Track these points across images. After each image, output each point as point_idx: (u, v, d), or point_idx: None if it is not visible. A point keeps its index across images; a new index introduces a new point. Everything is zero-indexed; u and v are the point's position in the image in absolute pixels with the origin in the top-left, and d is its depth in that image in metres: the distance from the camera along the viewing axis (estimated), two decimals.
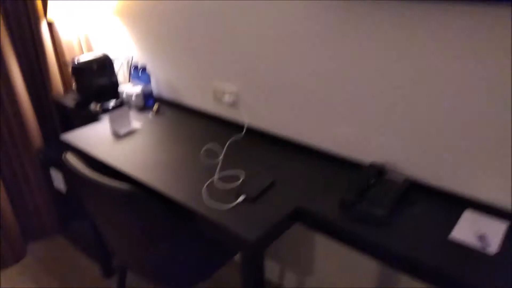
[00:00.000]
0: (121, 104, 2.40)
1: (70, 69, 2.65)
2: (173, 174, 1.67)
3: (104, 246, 2.33)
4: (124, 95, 2.43)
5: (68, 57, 2.63)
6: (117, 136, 2.05)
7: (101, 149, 1.91)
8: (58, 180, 2.47)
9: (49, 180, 2.58)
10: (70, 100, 2.52)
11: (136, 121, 2.21)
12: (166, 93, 2.47)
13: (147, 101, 2.44)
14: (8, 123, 2.42)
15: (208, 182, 1.60)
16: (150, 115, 2.31)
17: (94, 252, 2.60)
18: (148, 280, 1.76)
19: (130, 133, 2.09)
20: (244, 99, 2.03)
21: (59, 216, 2.80)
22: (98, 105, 2.35)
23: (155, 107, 2.33)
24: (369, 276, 1.89)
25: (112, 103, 2.39)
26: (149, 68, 2.45)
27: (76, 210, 2.76)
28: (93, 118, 2.33)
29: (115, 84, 2.51)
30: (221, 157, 1.79)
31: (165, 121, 2.22)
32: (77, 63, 2.31)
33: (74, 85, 2.56)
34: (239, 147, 1.89)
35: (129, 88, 2.42)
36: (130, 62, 2.54)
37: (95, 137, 2.04)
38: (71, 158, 1.64)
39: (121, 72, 2.64)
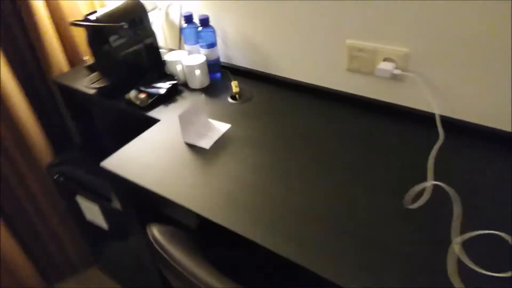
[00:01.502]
0: (176, 86, 1.46)
1: (75, 34, 1.66)
2: (363, 246, 0.82)
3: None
4: (175, 69, 1.48)
5: (68, 16, 1.63)
6: (197, 151, 1.15)
7: (182, 190, 1.03)
8: (92, 213, 1.59)
9: (71, 205, 1.70)
10: (84, 83, 1.56)
11: (216, 121, 1.30)
12: (244, 60, 1.53)
13: (213, 74, 1.51)
14: None
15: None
16: (229, 100, 1.39)
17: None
18: None
19: (217, 144, 1.19)
20: (426, 69, 1.12)
21: (92, 247, 1.97)
22: (142, 93, 1.40)
23: (235, 87, 1.41)
24: None
25: (163, 85, 1.44)
26: (213, 21, 1.47)
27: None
28: (133, 115, 1.41)
29: (156, 51, 1.55)
30: (454, 198, 0.93)
31: (262, 112, 1.32)
32: (93, 20, 1.33)
33: (87, 58, 1.59)
34: (449, 162, 1.03)
35: (182, 57, 1.47)
36: (180, 12, 1.55)
37: (160, 162, 1.15)
38: (158, 235, 0.81)
39: (159, 30, 1.65)
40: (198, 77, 1.43)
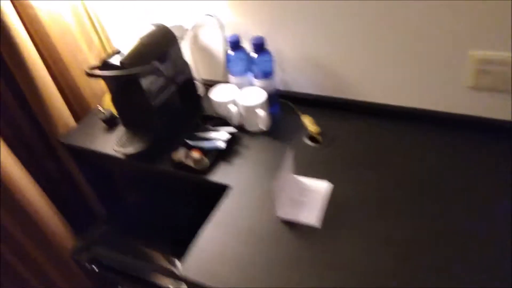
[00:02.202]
0: (233, 134, 1.12)
1: (79, 80, 1.29)
2: None
3: None
4: (226, 110, 1.14)
5: (64, 49, 1.25)
6: (301, 230, 0.84)
7: None
8: None
9: None
10: (108, 144, 1.21)
11: (308, 178, 0.98)
12: (307, 85, 1.20)
13: (271, 108, 1.18)
14: None
15: None
16: (307, 143, 1.07)
17: None
18: None
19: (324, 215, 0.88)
20: None
21: None
22: (194, 151, 1.06)
23: (311, 125, 1.09)
24: None
25: (217, 135, 1.11)
26: (269, 43, 1.13)
27: None
28: (187, 181, 1.07)
29: (193, 89, 1.21)
30: None
31: (361, 155, 1.02)
32: (118, 65, 0.98)
33: (101, 108, 1.24)
34: None
35: (234, 94, 1.14)
36: (222, 35, 1.20)
37: (255, 255, 0.83)
38: None
39: (189, 57, 1.30)
40: (261, 118, 1.09)
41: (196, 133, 1.14)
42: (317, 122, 1.11)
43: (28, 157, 1.25)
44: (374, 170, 0.97)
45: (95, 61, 1.35)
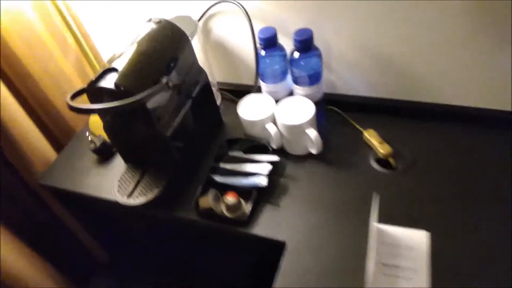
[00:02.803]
0: (276, 164, 0.83)
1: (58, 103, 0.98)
2: None
3: None
4: (260, 130, 0.85)
5: (29, 57, 0.93)
6: None
7: None
8: None
9: None
10: (100, 183, 0.91)
11: (394, 227, 0.70)
12: (364, 86, 0.91)
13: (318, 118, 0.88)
14: None
15: None
16: (375, 168, 0.80)
17: None
18: None
19: None
20: None
21: None
22: (230, 194, 0.77)
23: (379, 144, 0.81)
24: None
25: (252, 168, 0.82)
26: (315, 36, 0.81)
27: None
28: (218, 232, 0.79)
29: (212, 100, 0.92)
30: None
31: (454, 184, 0.74)
32: (114, 89, 0.67)
33: (92, 137, 0.93)
34: None
35: (268, 108, 0.84)
36: (250, 28, 0.88)
37: None
38: None
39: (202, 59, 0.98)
40: (313, 140, 0.81)
41: (222, 165, 0.84)
42: (383, 136, 0.83)
43: (9, 211, 0.95)
44: (479, 205, 0.70)
45: (73, 70, 1.03)
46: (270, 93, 0.88)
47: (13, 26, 0.88)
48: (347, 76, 0.89)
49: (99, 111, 0.63)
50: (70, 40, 1.01)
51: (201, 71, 0.87)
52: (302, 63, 0.80)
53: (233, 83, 1.03)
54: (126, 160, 0.86)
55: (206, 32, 0.94)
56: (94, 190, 0.90)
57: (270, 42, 0.80)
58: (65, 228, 1.09)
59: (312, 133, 0.80)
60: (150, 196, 0.79)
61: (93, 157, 0.97)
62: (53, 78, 0.98)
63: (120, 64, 0.69)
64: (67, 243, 1.11)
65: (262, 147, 0.86)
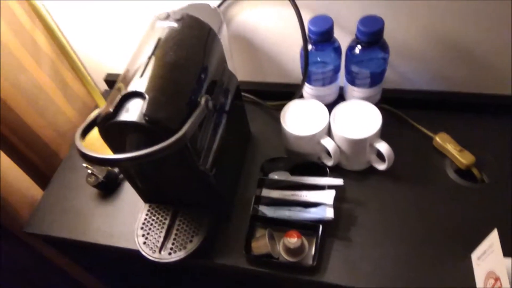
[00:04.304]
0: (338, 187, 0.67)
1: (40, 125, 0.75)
2: None
3: None
4: (314, 146, 0.68)
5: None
6: None
7: None
8: None
9: None
10: (110, 227, 0.72)
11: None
12: (432, 79, 0.75)
13: None
14: None
15: None
16: (455, 181, 0.66)
17: None
18: None
19: None
20: None
21: None
22: (293, 235, 0.61)
23: (457, 152, 0.67)
24: None
25: (325, 195, 0.65)
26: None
27: None
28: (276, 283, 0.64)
29: (241, 113, 0.73)
30: None
31: None
32: (144, 113, 0.47)
33: (89, 167, 0.72)
34: None
35: (323, 115, 0.67)
36: (299, 19, 0.68)
37: None
38: None
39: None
40: (385, 154, 0.65)
41: (266, 192, 0.67)
42: (459, 140, 0.69)
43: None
44: None
45: (50, 82, 0.80)
46: (318, 97, 0.71)
47: None
48: (405, 69, 0.74)
49: (132, 160, 0.44)
50: (41, 39, 0.77)
51: (231, 76, 0.68)
52: (366, 59, 0.63)
53: (254, 81, 0.84)
54: (146, 200, 0.66)
55: (226, 23, 0.74)
56: (102, 237, 0.71)
57: (325, 35, 0.62)
58: (70, 279, 0.88)
59: (383, 147, 0.64)
60: (190, 247, 0.61)
61: (91, 191, 0.77)
62: (26, 95, 0.75)
63: (143, 86, 0.49)
64: None
65: (309, 166, 0.69)
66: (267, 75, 0.82)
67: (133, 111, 0.48)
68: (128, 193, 0.75)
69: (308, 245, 0.63)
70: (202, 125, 0.55)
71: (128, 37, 0.82)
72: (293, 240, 0.61)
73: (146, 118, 0.47)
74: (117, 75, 0.92)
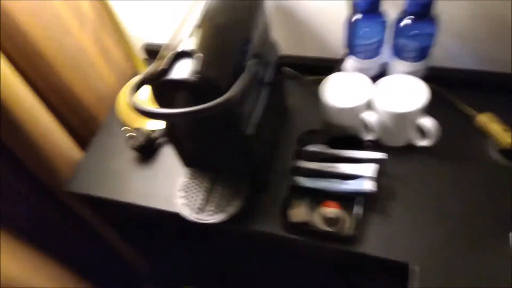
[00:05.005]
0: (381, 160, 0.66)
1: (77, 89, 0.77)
2: None
3: None
4: (353, 118, 0.68)
5: (37, 32, 0.71)
6: None
7: None
8: None
9: None
10: (149, 187, 0.73)
11: None
12: (475, 61, 0.73)
13: None
14: None
15: None
16: (499, 161, 0.64)
17: None
18: None
19: None
20: None
21: None
22: (326, 204, 0.61)
23: (504, 131, 0.65)
24: None
25: (364, 168, 0.65)
26: None
27: None
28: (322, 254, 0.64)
29: (281, 84, 0.73)
30: None
31: None
32: (196, 70, 0.48)
33: (128, 129, 0.73)
34: None
35: (365, 88, 0.66)
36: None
37: None
38: None
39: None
40: (430, 130, 0.64)
41: (305, 164, 0.67)
42: (503, 119, 0.67)
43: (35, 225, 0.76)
44: None
45: (93, 46, 0.81)
46: (360, 71, 0.70)
47: None
48: (451, 46, 0.72)
49: (185, 115, 0.44)
50: (84, 6, 0.78)
51: (273, 46, 0.67)
52: (415, 32, 0.62)
53: (291, 55, 0.83)
54: (187, 164, 0.67)
55: None
56: (141, 198, 0.72)
57: (372, 5, 0.61)
58: (99, 238, 0.91)
59: (428, 122, 0.63)
60: (231, 210, 0.62)
61: (130, 155, 0.79)
62: (70, 58, 0.77)
63: (193, 46, 0.50)
64: (103, 255, 0.94)
65: (348, 139, 0.69)
66: (305, 49, 0.81)
67: (185, 69, 0.48)
68: (166, 157, 0.77)
69: (345, 216, 0.63)
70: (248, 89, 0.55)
71: (167, 8, 0.82)
72: (331, 210, 0.61)
73: (198, 76, 0.47)
74: (155, 45, 0.92)
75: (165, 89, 0.50)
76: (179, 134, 0.62)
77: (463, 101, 0.72)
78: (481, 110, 0.70)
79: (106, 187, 0.75)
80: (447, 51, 0.72)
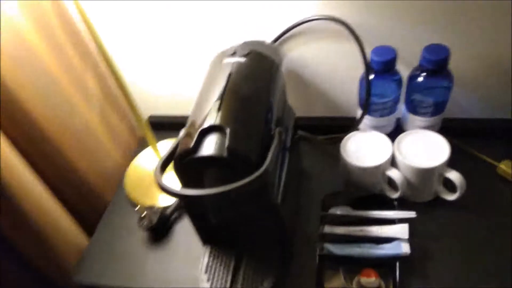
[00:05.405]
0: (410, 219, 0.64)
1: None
2: None
3: None
4: (376, 177, 0.66)
5: (41, 109, 0.68)
6: None
7: None
8: None
9: None
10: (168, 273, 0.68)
11: None
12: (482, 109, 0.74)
13: None
14: None
15: None
16: None
17: None
18: None
19: None
20: None
21: None
22: (364, 274, 0.57)
23: None
24: None
25: (399, 229, 0.62)
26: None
27: None
28: None
29: (296, 146, 0.71)
30: None
31: None
32: (228, 146, 0.46)
33: (141, 209, 0.69)
34: None
35: (386, 146, 0.65)
36: (361, 51, 0.68)
37: None
38: None
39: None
40: (456, 183, 0.63)
41: (329, 229, 0.64)
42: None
43: None
44: None
45: (98, 123, 0.79)
46: (375, 128, 0.70)
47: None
48: (461, 97, 0.73)
49: (226, 194, 0.41)
50: (90, 82, 0.77)
51: (290, 110, 0.67)
52: (430, 88, 0.62)
53: (302, 116, 0.83)
54: (207, 241, 0.63)
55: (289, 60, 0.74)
56: (159, 283, 0.66)
57: (388, 65, 0.62)
58: None
59: (454, 175, 0.62)
60: None
61: (141, 235, 0.74)
62: (75, 138, 0.74)
63: (220, 120, 0.48)
64: None
65: (371, 199, 0.67)
66: (316, 109, 0.81)
67: (215, 145, 0.46)
68: (182, 234, 0.72)
69: (382, 284, 0.59)
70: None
71: (169, 79, 0.82)
72: (371, 279, 0.57)
73: (229, 151, 0.45)
74: (160, 117, 0.91)
75: (191, 167, 0.48)
76: (200, 209, 0.59)
77: (479, 150, 0.72)
78: (498, 158, 0.69)
79: (117, 274, 0.69)
80: (457, 101, 0.73)
